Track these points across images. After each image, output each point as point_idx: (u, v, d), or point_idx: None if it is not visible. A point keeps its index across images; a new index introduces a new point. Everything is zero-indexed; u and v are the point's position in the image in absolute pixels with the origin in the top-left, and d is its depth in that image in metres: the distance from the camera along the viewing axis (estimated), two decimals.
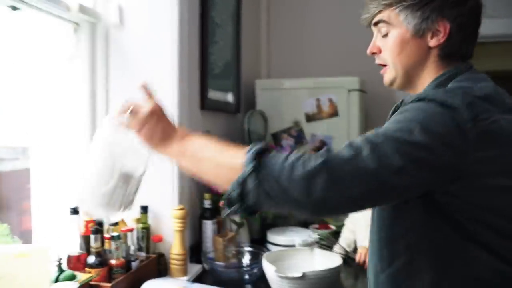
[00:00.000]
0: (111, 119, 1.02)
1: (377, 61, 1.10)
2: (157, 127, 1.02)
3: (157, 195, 1.66)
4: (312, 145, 2.52)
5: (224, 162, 0.94)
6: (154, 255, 1.59)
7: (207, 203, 1.80)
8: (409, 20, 1.01)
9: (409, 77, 1.06)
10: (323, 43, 3.12)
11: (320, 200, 0.81)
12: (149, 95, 1.06)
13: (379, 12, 1.05)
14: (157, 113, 1.03)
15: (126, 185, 1.00)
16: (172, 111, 1.62)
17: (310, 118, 2.53)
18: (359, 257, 1.71)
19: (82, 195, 1.02)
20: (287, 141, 2.56)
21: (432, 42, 1.01)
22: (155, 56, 1.64)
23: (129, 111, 0.99)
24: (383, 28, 1.06)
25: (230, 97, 2.43)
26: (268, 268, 1.35)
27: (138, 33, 1.64)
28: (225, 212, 0.91)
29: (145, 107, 1.02)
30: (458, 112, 0.84)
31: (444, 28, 1.00)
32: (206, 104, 1.99)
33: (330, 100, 2.49)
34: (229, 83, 2.42)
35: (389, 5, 1.03)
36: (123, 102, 1.04)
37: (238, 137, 2.43)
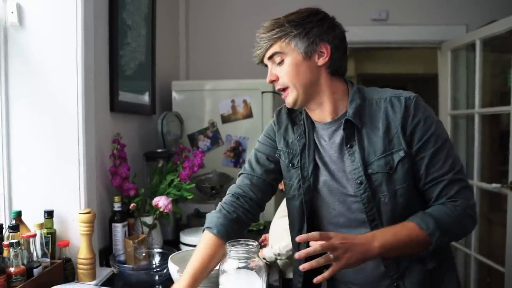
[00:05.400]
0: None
1: (277, 87, 1.28)
2: (354, 253, 1.09)
3: (63, 199, 1.63)
4: (228, 146, 2.58)
5: (417, 246, 1.18)
6: (59, 261, 1.55)
7: (116, 206, 1.79)
8: (299, 46, 1.22)
9: (308, 94, 1.26)
10: (239, 47, 3.18)
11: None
12: (327, 237, 1.10)
13: (271, 46, 1.24)
14: (344, 240, 1.10)
15: None
16: (78, 114, 1.61)
17: (225, 119, 2.58)
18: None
19: None
20: (204, 142, 2.59)
21: (320, 62, 1.24)
22: (58, 57, 1.60)
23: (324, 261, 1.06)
24: (277, 58, 1.25)
25: (146, 99, 2.42)
26: (172, 269, 1.37)
27: (40, 33, 1.60)
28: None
29: (335, 244, 1.08)
30: None
31: (326, 49, 1.23)
32: (116, 106, 1.97)
33: (245, 102, 2.55)
34: (144, 84, 2.41)
35: (279, 38, 1.23)
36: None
37: (153, 139, 2.43)
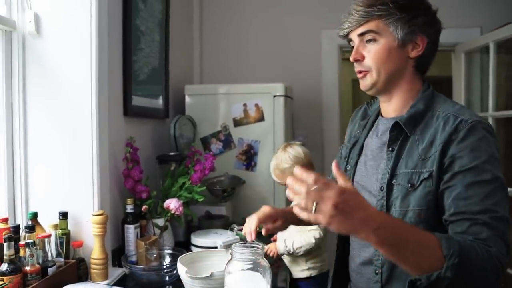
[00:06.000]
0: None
1: (358, 68, 1.20)
2: (351, 218, 0.85)
3: (77, 201, 1.69)
4: (240, 149, 2.61)
5: (425, 265, 0.95)
6: (73, 261, 1.61)
7: (129, 208, 1.84)
8: (397, 32, 1.14)
9: (389, 83, 1.18)
10: (252, 51, 3.23)
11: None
12: (342, 175, 0.91)
13: (367, 22, 1.15)
14: (350, 198, 0.86)
15: None
16: (92, 118, 1.67)
17: (237, 122, 2.62)
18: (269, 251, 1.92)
19: None
20: (216, 145, 2.63)
21: (413, 53, 1.17)
22: (73, 64, 1.66)
23: (314, 205, 0.83)
24: (369, 36, 1.16)
25: (159, 103, 2.48)
26: (181, 270, 1.41)
27: (56, 41, 1.66)
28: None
29: (333, 191, 0.84)
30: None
31: (422, 42, 1.16)
32: (129, 111, 2.02)
33: (257, 106, 2.58)
34: (158, 88, 2.46)
35: (380, 16, 1.14)
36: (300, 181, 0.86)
37: (166, 142, 2.48)
